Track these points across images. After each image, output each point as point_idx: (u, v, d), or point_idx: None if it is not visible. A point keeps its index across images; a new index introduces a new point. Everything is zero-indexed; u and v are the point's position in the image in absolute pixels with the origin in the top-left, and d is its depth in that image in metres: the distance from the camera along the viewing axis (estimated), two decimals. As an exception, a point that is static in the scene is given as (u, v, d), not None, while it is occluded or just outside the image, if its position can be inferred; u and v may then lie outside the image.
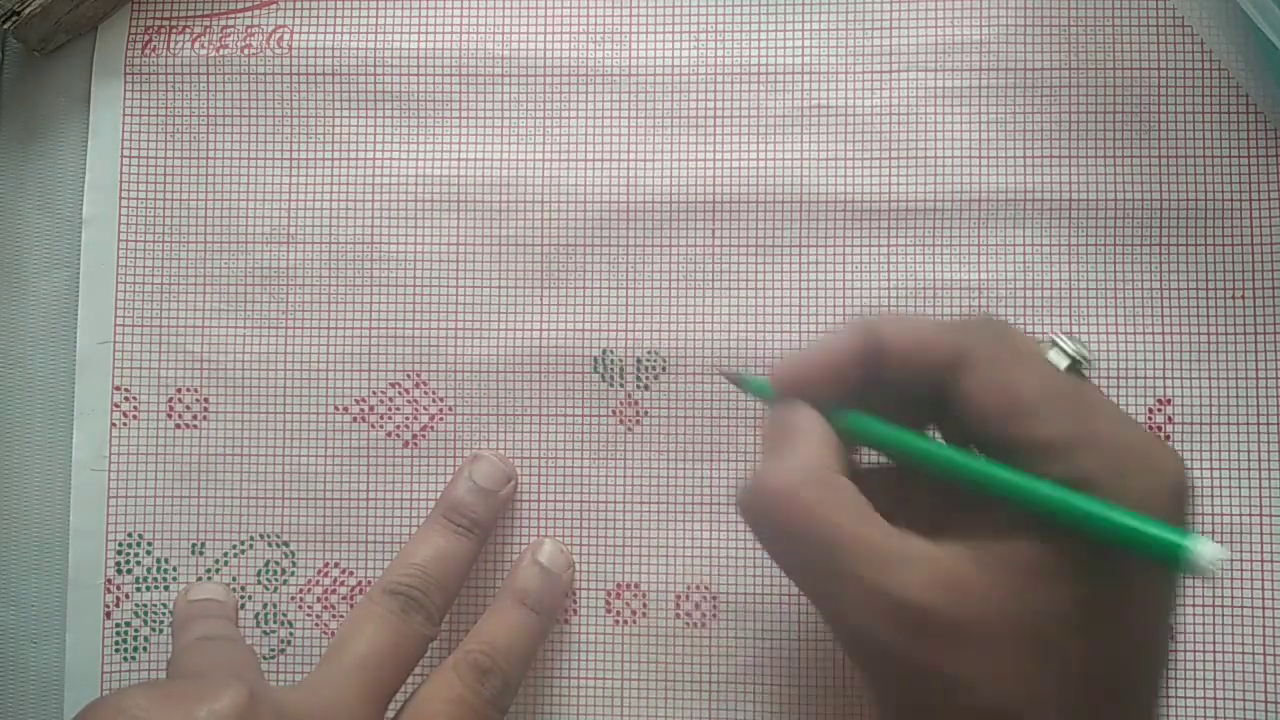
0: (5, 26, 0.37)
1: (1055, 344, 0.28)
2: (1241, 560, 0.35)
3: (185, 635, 0.34)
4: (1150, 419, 0.36)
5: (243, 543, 0.37)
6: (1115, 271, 0.37)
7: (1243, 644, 0.35)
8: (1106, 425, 0.26)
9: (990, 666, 0.25)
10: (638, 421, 0.37)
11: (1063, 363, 0.28)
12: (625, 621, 0.37)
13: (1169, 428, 0.36)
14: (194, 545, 0.38)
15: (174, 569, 0.37)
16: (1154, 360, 0.36)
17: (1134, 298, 0.36)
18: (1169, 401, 0.36)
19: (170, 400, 0.38)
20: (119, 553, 0.37)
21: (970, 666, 0.25)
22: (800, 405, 0.30)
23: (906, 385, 0.29)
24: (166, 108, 0.39)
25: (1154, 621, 0.26)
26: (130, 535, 0.38)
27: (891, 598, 0.26)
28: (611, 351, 0.37)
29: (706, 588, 0.37)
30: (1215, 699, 0.35)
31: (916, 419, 0.29)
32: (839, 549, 0.26)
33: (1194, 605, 0.35)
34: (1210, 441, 0.36)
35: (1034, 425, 0.27)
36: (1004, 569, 0.26)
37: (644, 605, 0.37)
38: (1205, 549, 0.24)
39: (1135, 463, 0.26)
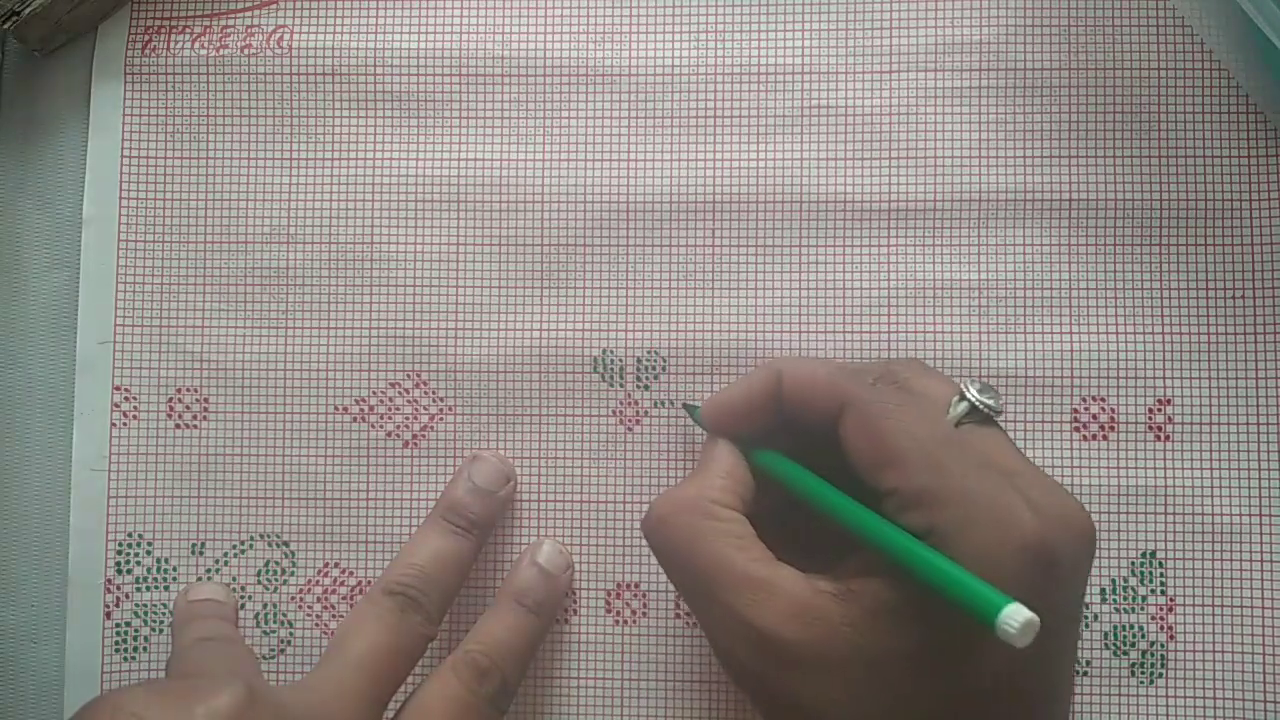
0: (5, 26, 0.37)
1: (961, 391, 0.30)
2: (1242, 560, 0.35)
3: (185, 636, 0.34)
4: (1150, 419, 0.36)
5: (243, 543, 0.37)
6: (1115, 271, 0.37)
7: (1243, 644, 0.35)
8: (963, 480, 0.27)
9: (841, 699, 0.27)
10: (637, 421, 0.37)
11: (960, 411, 0.30)
12: (625, 621, 0.37)
13: (1169, 428, 0.36)
14: (194, 545, 0.38)
15: (174, 569, 0.37)
16: (1154, 360, 0.36)
17: (1134, 297, 0.36)
18: (1169, 401, 0.36)
19: (170, 400, 0.38)
20: (119, 553, 0.37)
21: (822, 697, 0.27)
22: (719, 440, 0.32)
23: (805, 427, 0.31)
24: (166, 108, 0.39)
25: (1008, 671, 0.27)
26: (130, 535, 0.38)
27: (752, 625, 0.28)
28: (611, 351, 0.37)
29: (706, 588, 0.37)
30: (1215, 699, 0.35)
31: (832, 459, 0.30)
32: (708, 575, 0.29)
33: (1195, 605, 0.35)
34: (1210, 441, 0.36)
35: (894, 475, 0.28)
36: (860, 606, 0.27)
37: (644, 605, 0.37)
38: (1015, 616, 0.24)
39: (982, 517, 0.27)
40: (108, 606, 0.37)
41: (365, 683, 0.31)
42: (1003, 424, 0.31)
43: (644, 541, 0.37)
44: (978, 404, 0.30)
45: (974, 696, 0.27)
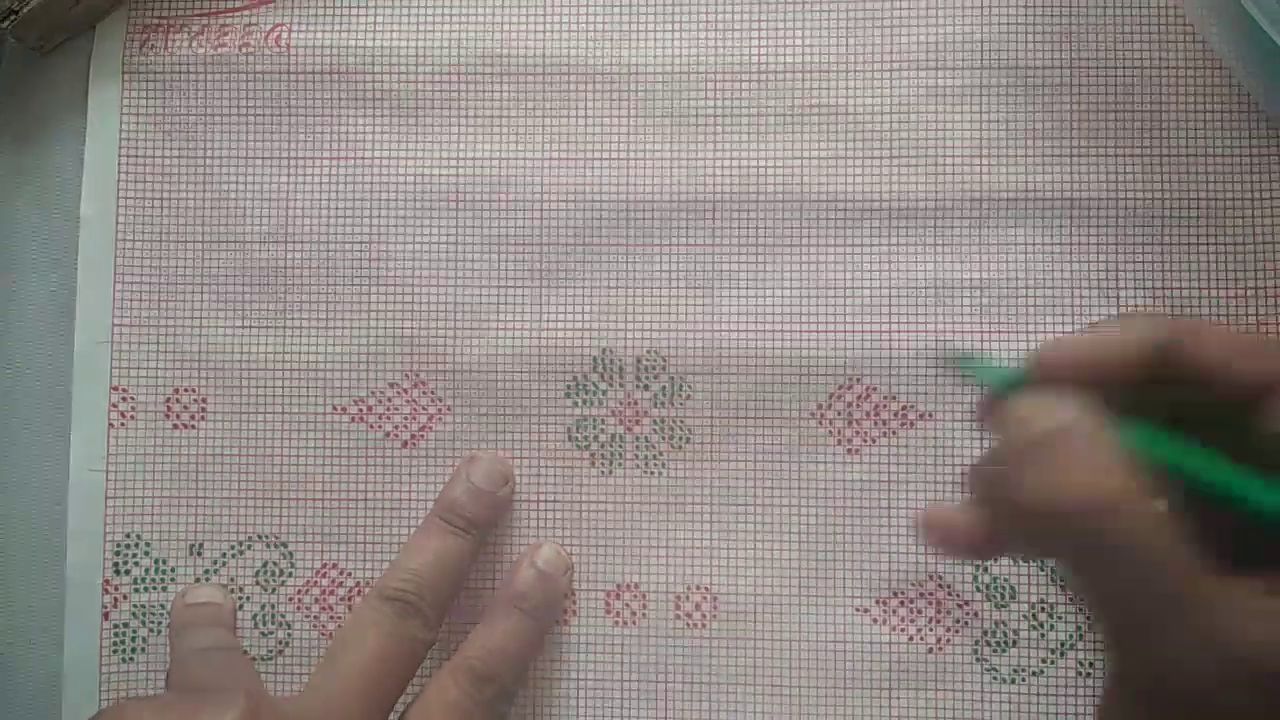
0: (3, 25, 0.37)
1: None
2: (1243, 561, 0.35)
3: (183, 644, 0.34)
4: (1151, 419, 0.36)
5: (241, 543, 0.37)
6: (1117, 270, 0.36)
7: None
8: None
9: None
10: (637, 421, 0.37)
11: None
12: (625, 622, 0.37)
13: (1170, 428, 0.36)
14: (192, 546, 0.37)
15: (172, 570, 0.37)
16: (1155, 360, 0.36)
17: (1135, 297, 0.36)
18: (1170, 401, 0.36)
19: (168, 400, 0.38)
20: (117, 553, 0.37)
21: None
22: (1071, 401, 0.24)
23: (1196, 399, 0.25)
24: (164, 106, 0.38)
25: None
26: (128, 536, 0.37)
27: (1249, 660, 0.22)
28: (611, 351, 0.37)
29: (706, 588, 0.37)
30: (1216, 700, 0.35)
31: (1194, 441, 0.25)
32: (1174, 591, 0.23)
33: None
34: (1212, 442, 0.36)
35: None
36: None
37: (644, 606, 0.37)
38: None
39: None
40: (106, 607, 0.37)
41: (365, 693, 0.31)
42: None
43: (644, 542, 0.37)
44: None
45: None
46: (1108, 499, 0.23)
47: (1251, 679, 0.22)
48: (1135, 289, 0.36)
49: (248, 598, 0.37)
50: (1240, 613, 0.22)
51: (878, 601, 0.36)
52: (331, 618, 0.37)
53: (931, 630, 0.36)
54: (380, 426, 0.37)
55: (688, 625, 0.37)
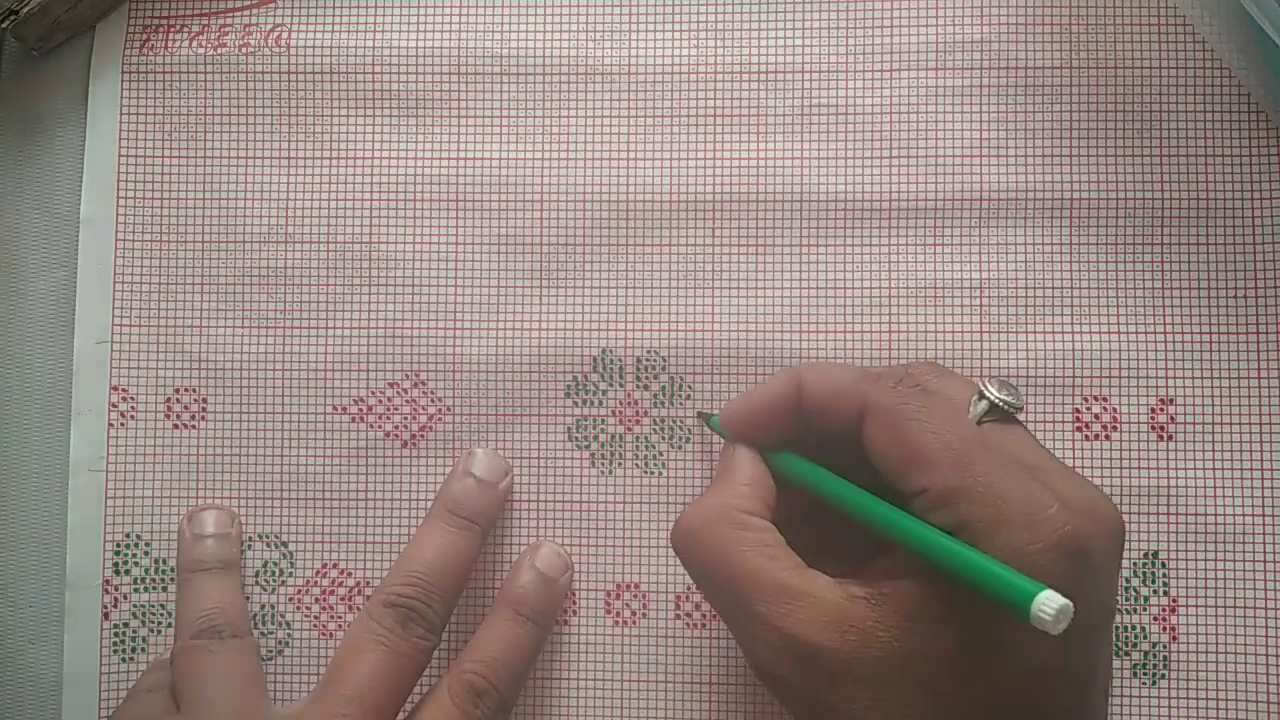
0: (3, 25, 0.37)
1: (981, 391, 0.30)
2: (1245, 561, 0.35)
3: (187, 608, 0.35)
4: (1153, 418, 0.36)
5: (241, 543, 0.37)
6: (1117, 270, 0.36)
7: (1246, 645, 0.35)
8: (990, 476, 0.27)
9: (879, 705, 0.27)
10: (637, 421, 0.37)
11: (980, 410, 0.30)
12: (625, 622, 0.37)
13: (1171, 427, 0.36)
14: (192, 546, 0.37)
15: (172, 570, 0.37)
16: (1156, 359, 0.36)
17: (1136, 297, 0.36)
18: (1171, 401, 0.36)
19: (168, 400, 0.38)
20: (117, 553, 0.37)
21: (861, 704, 0.27)
22: (739, 447, 0.32)
23: (827, 432, 0.31)
24: (164, 107, 0.38)
25: (1051, 661, 0.27)
26: (128, 536, 0.37)
27: (788, 635, 0.27)
28: (611, 351, 0.37)
29: (706, 588, 0.37)
30: (1218, 700, 0.35)
31: (855, 461, 0.30)
32: (741, 586, 0.28)
33: (1197, 606, 0.35)
34: (1213, 441, 0.36)
35: (921, 476, 0.28)
36: (893, 610, 0.27)
37: (644, 605, 0.37)
38: (1049, 603, 0.24)
39: (1012, 514, 0.26)
40: (106, 607, 0.37)
41: (365, 712, 0.31)
42: (1022, 419, 0.31)
43: (644, 542, 0.37)
44: (998, 402, 0.30)
45: (1014, 692, 0.27)
46: (704, 521, 0.30)
47: (794, 652, 0.27)
48: (1135, 289, 0.36)
49: (248, 598, 0.37)
50: (796, 599, 0.27)
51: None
52: (332, 617, 0.37)
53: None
54: (380, 426, 0.37)
55: (688, 625, 0.37)
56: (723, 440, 0.34)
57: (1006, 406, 0.30)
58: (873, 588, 0.28)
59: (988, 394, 0.30)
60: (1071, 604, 0.24)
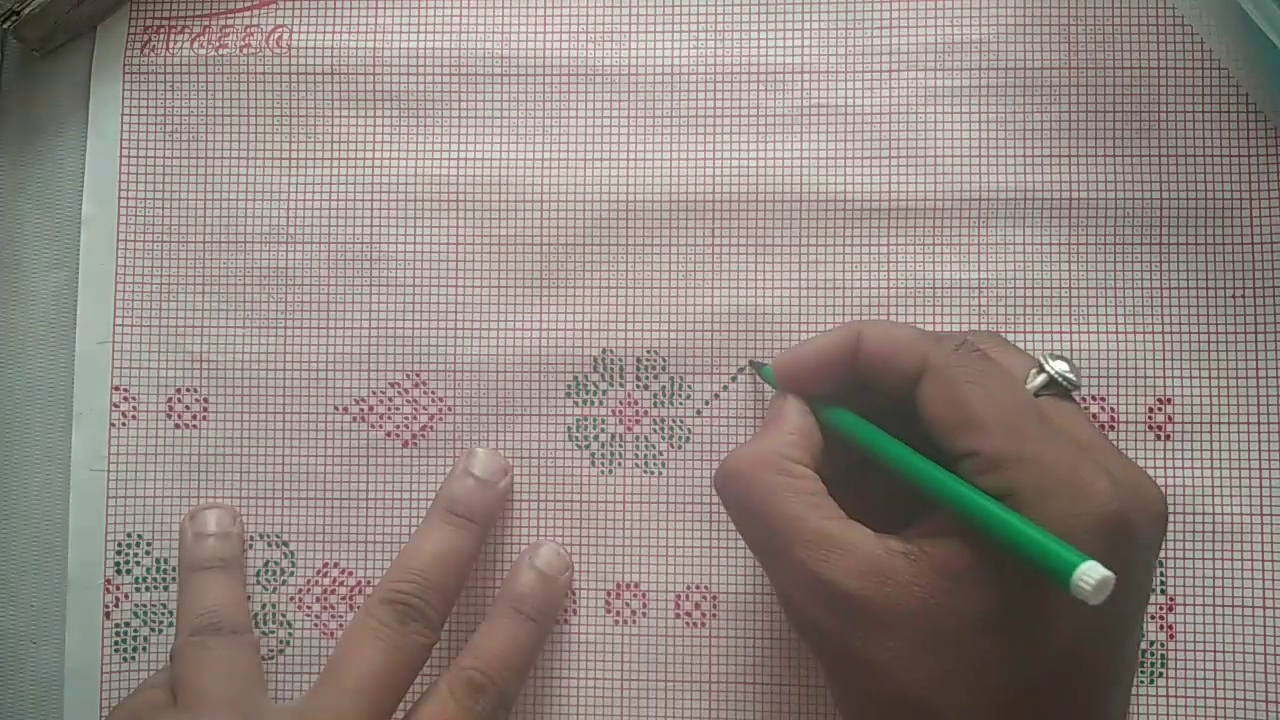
0: (5, 26, 0.37)
1: (1041, 364, 0.30)
2: (1242, 559, 0.35)
3: (187, 608, 0.35)
4: (1150, 418, 0.36)
5: (242, 542, 0.37)
6: (1115, 270, 0.36)
7: (1243, 644, 0.35)
8: (1043, 447, 0.27)
9: (908, 658, 0.27)
10: (637, 421, 0.37)
11: (1039, 382, 0.30)
12: (625, 621, 0.37)
13: (1169, 427, 0.36)
14: (193, 545, 0.37)
15: (173, 569, 0.37)
16: (1154, 359, 0.36)
17: (1134, 297, 0.36)
18: (1169, 400, 0.36)
19: (169, 400, 0.38)
20: (118, 553, 0.37)
21: (890, 655, 0.27)
22: (789, 396, 0.32)
23: (881, 388, 0.31)
24: (165, 107, 0.39)
25: (1083, 636, 0.27)
26: (129, 535, 0.38)
27: (824, 581, 0.28)
28: (611, 351, 0.37)
29: (706, 588, 0.37)
30: (1216, 699, 0.35)
31: (903, 421, 0.30)
32: (782, 531, 0.29)
33: (1195, 604, 0.35)
34: (1210, 441, 0.36)
35: (973, 439, 0.28)
36: (932, 567, 0.27)
37: (644, 605, 0.37)
38: (1090, 573, 0.24)
39: (1061, 485, 0.27)
40: (107, 607, 0.37)
41: (364, 709, 0.31)
42: (1079, 399, 0.31)
43: (644, 541, 0.37)
44: (1057, 377, 0.30)
45: (1042, 661, 0.27)
46: (749, 465, 0.30)
47: (829, 599, 0.28)
48: (1133, 289, 0.36)
49: (249, 597, 0.37)
50: (835, 547, 0.28)
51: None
52: (333, 617, 0.37)
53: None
54: (381, 426, 0.38)
55: (688, 625, 0.37)
56: (770, 389, 0.34)
57: (1065, 382, 0.30)
58: (914, 544, 0.28)
59: (1048, 368, 0.30)
60: (1113, 576, 0.24)
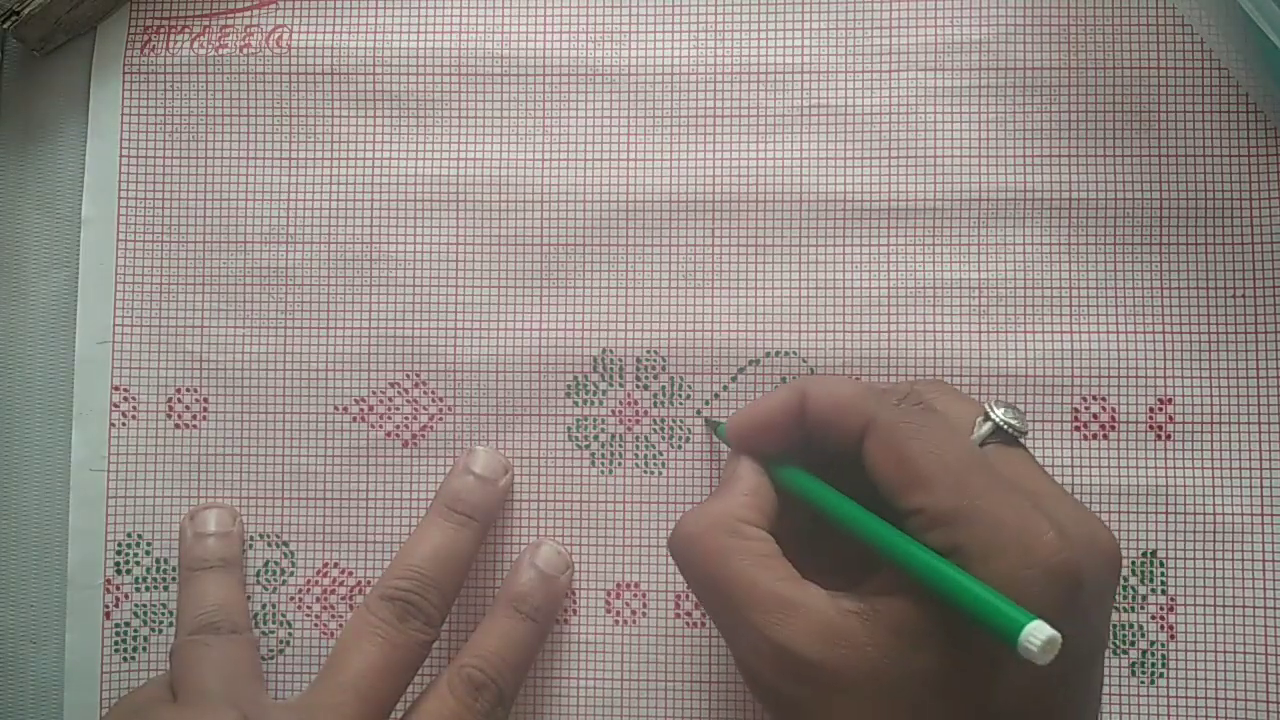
0: (5, 26, 0.37)
1: (986, 412, 0.30)
2: (1243, 560, 0.35)
3: (187, 608, 0.35)
4: (1151, 418, 0.36)
5: (242, 542, 0.37)
6: (1115, 270, 0.36)
7: (1244, 644, 0.35)
8: (988, 500, 0.27)
9: (865, 719, 0.27)
10: (637, 421, 0.37)
11: (984, 431, 0.30)
12: (625, 621, 0.37)
13: (1170, 427, 0.36)
14: (193, 545, 0.37)
15: (173, 569, 0.37)
16: (1154, 359, 0.36)
17: (1134, 297, 0.36)
18: (1170, 401, 0.36)
19: (169, 400, 0.38)
20: (118, 553, 0.37)
21: (845, 717, 0.27)
22: (743, 457, 0.32)
23: (829, 446, 0.31)
24: (165, 107, 0.39)
25: (1040, 689, 0.27)
26: (129, 535, 0.38)
27: (776, 644, 0.27)
28: (611, 351, 0.37)
29: (706, 587, 0.37)
30: (1216, 699, 0.35)
31: (855, 477, 0.30)
32: (736, 594, 0.28)
33: (1195, 605, 0.35)
34: (1211, 441, 0.36)
35: (919, 495, 0.28)
36: (884, 626, 0.27)
37: (644, 605, 0.37)
38: (1037, 633, 0.24)
39: (1007, 540, 0.26)
40: (107, 607, 0.37)
41: (362, 704, 0.31)
42: (1026, 443, 0.31)
43: (644, 541, 0.37)
44: (1003, 424, 0.30)
45: (999, 716, 0.27)
46: (702, 528, 0.30)
47: (783, 662, 0.27)
48: (1133, 289, 0.36)
49: (249, 597, 0.37)
50: (788, 610, 0.27)
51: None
52: (333, 617, 0.37)
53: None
54: (381, 426, 0.38)
55: (688, 625, 0.37)
56: (727, 447, 0.34)
57: (1010, 429, 0.30)
58: (866, 603, 0.27)
59: (993, 416, 0.30)
60: (1060, 635, 0.24)
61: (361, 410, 0.38)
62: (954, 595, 0.26)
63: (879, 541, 0.28)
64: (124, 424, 0.38)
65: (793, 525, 0.31)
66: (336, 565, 0.37)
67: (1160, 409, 0.36)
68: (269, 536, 0.37)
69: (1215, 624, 0.35)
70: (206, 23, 0.39)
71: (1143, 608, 0.36)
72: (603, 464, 0.37)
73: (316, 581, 0.37)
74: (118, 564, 0.37)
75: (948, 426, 0.29)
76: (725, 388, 0.37)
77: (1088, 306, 0.36)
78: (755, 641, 0.28)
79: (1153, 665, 0.35)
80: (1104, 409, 0.36)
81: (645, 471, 0.37)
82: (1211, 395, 0.36)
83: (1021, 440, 0.30)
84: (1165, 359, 0.36)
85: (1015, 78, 0.37)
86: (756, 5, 0.38)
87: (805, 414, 0.31)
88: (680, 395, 0.37)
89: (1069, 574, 0.26)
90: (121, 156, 0.38)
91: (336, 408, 0.38)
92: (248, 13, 0.39)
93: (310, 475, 0.37)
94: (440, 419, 0.37)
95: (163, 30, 0.39)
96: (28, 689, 0.37)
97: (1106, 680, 0.35)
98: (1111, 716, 0.35)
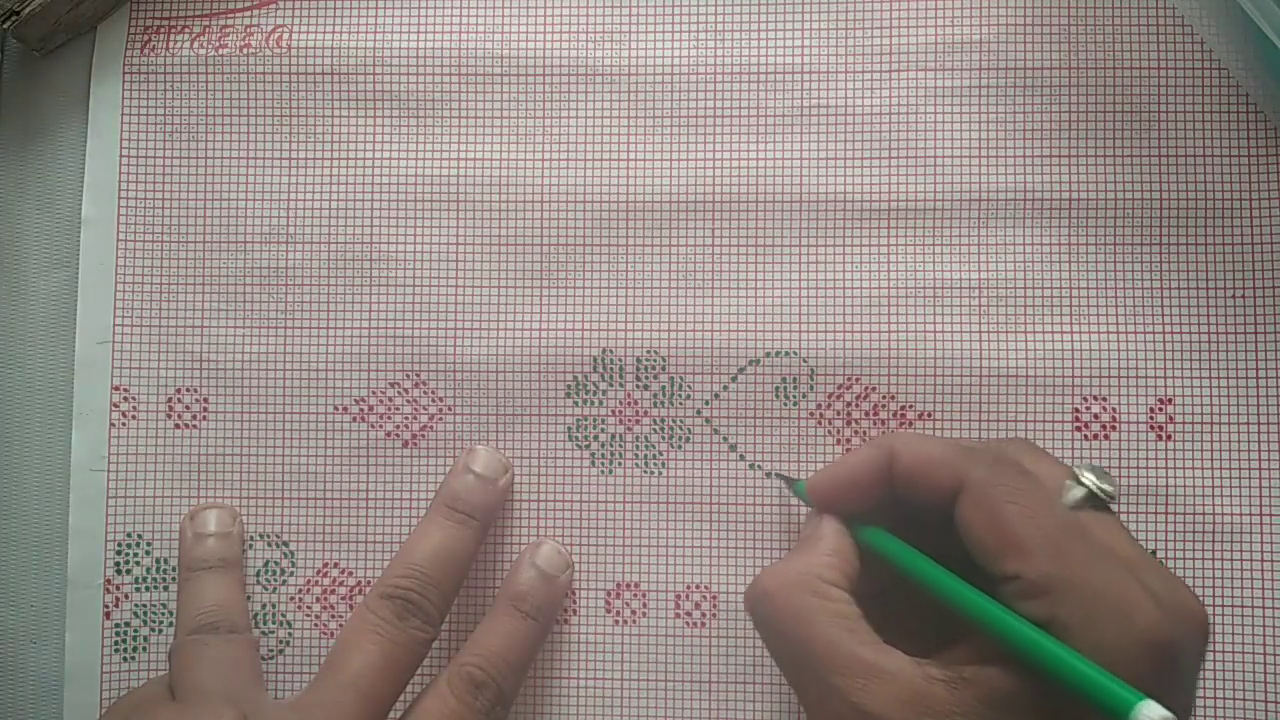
0: (5, 26, 0.37)
1: (1075, 476, 0.30)
2: (1243, 560, 0.35)
3: (187, 606, 0.35)
4: (1152, 418, 0.36)
5: (242, 542, 0.37)
6: (1115, 270, 0.36)
7: (1244, 644, 0.35)
8: (1087, 570, 0.27)
9: None
10: (637, 421, 0.37)
11: (1075, 496, 0.29)
12: (625, 621, 0.37)
13: (1170, 427, 0.36)
14: (193, 545, 0.37)
15: (173, 569, 0.37)
16: (1155, 360, 0.36)
17: (1134, 297, 0.36)
18: (1170, 401, 0.36)
19: (169, 400, 0.38)
20: (118, 553, 0.37)
21: None
22: (826, 516, 0.32)
23: (917, 504, 0.30)
24: (165, 107, 0.39)
25: None
26: (129, 535, 0.38)
27: (861, 710, 0.27)
28: (611, 351, 0.37)
29: (706, 588, 0.37)
30: (1215, 699, 0.35)
31: (941, 535, 0.30)
32: (816, 655, 0.28)
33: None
34: (1211, 441, 0.36)
35: (1016, 562, 0.27)
36: (973, 695, 0.27)
37: (644, 605, 0.37)
38: (1150, 713, 0.24)
39: (1107, 612, 0.26)
40: (107, 607, 0.37)
41: (361, 702, 0.31)
42: (1115, 509, 0.30)
43: (644, 541, 0.37)
44: (1095, 490, 0.29)
45: None
46: (782, 585, 0.30)
47: None
48: (1133, 289, 0.36)
49: (249, 597, 0.37)
50: (873, 675, 0.27)
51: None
52: (333, 617, 0.37)
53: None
54: (381, 426, 0.38)
55: (688, 625, 0.37)
56: (800, 502, 0.34)
57: (1101, 494, 0.29)
58: (953, 671, 0.27)
59: (1085, 481, 0.30)
60: (1173, 716, 0.24)
61: (361, 410, 0.38)
62: (1057, 670, 0.25)
63: (973, 609, 0.27)
64: (124, 424, 0.38)
65: (872, 587, 0.31)
66: (336, 565, 0.37)
67: (1160, 409, 0.36)
68: (269, 536, 0.37)
69: (1215, 624, 0.35)
70: (206, 23, 0.39)
71: (1143, 608, 0.36)
72: (603, 464, 0.37)
73: (316, 581, 0.37)
74: (118, 564, 0.37)
75: (1043, 491, 0.29)
76: (725, 388, 0.37)
77: (1088, 307, 0.36)
78: (837, 706, 0.27)
79: (1153, 665, 0.35)
80: (1104, 409, 0.36)
81: (645, 471, 0.37)
82: (1212, 395, 0.36)
83: (1111, 505, 0.30)
84: (1165, 359, 0.36)
85: (1015, 78, 0.37)
86: (756, 5, 0.38)
87: (895, 472, 0.30)
88: (680, 395, 0.37)
89: (1167, 646, 0.26)
90: (121, 156, 0.38)
91: (336, 408, 0.38)
92: (248, 13, 0.39)
93: (310, 475, 0.37)
94: (440, 419, 0.37)
95: (163, 30, 0.39)
96: (28, 689, 0.37)
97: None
98: (1111, 717, 0.35)
